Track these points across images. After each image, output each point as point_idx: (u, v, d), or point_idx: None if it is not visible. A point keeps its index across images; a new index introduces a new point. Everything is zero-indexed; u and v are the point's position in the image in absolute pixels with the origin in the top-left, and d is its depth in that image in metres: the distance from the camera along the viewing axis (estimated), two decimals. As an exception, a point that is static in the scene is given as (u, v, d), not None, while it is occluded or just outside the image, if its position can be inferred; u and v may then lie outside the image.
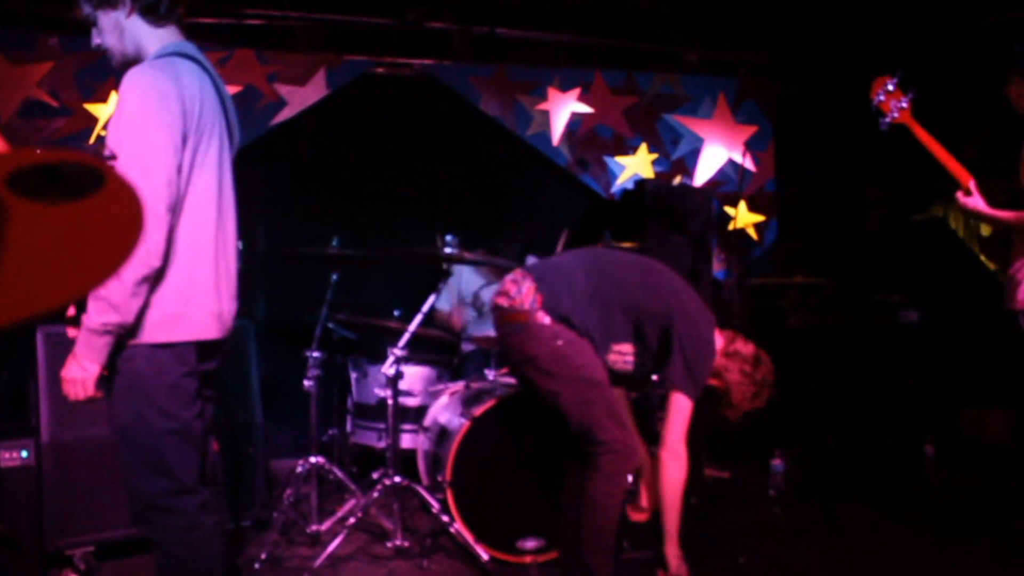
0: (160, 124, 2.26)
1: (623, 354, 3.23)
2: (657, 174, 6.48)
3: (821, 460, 5.27)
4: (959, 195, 3.68)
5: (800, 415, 5.27)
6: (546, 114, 6.29)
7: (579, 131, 6.37)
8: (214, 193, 2.44)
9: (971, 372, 5.82)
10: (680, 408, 3.17)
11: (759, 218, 6.74)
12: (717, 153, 6.66)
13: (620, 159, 6.45)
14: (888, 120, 3.62)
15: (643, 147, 6.48)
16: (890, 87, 3.63)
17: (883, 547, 4.13)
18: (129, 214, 0.92)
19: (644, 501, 3.60)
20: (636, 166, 6.45)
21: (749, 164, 6.66)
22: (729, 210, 6.51)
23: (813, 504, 4.80)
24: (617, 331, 3.17)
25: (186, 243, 2.35)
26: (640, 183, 5.72)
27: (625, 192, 6.06)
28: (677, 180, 6.48)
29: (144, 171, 2.22)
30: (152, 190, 2.22)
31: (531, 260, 4.46)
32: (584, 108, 6.37)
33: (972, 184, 3.63)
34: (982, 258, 6.48)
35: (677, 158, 6.60)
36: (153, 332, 2.29)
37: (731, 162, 6.64)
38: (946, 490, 5.06)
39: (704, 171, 6.64)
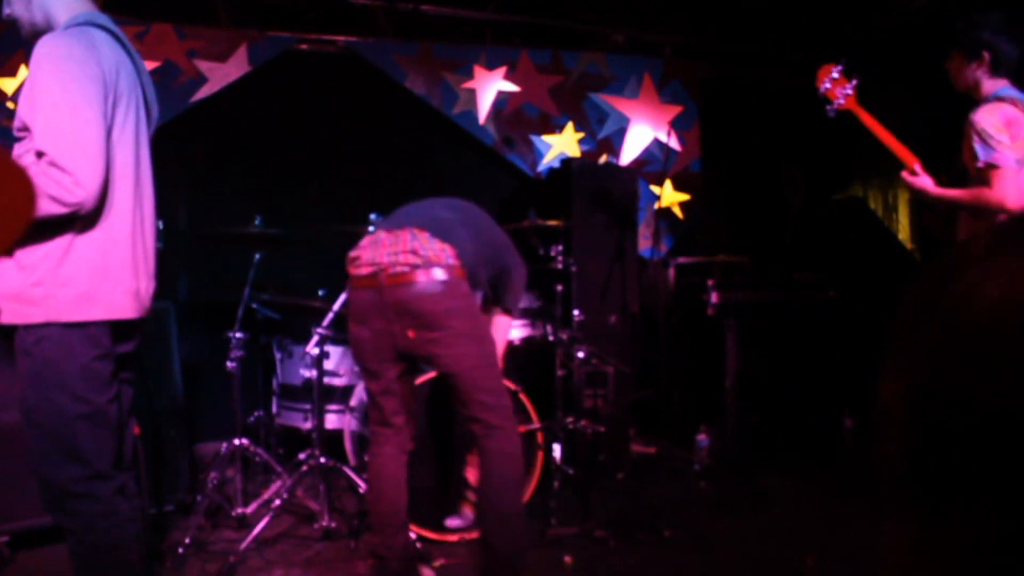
0: (83, 89, 2.19)
1: None
2: (583, 153, 6.50)
3: (745, 435, 5.36)
4: (904, 174, 3.71)
5: (724, 391, 5.35)
6: (472, 92, 6.27)
7: (505, 110, 6.36)
8: (131, 169, 2.38)
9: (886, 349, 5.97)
10: (509, 328, 3.47)
11: (684, 197, 6.82)
12: (643, 132, 6.71)
13: (546, 138, 6.46)
14: (835, 107, 3.77)
15: (569, 126, 6.50)
16: (835, 75, 3.77)
17: (805, 518, 4.22)
18: (19, 197, 0.89)
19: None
20: (562, 145, 6.47)
21: (674, 144, 6.73)
22: (655, 189, 6.56)
23: (737, 478, 4.89)
24: (481, 277, 3.18)
25: (102, 220, 2.28)
26: (566, 162, 5.73)
27: (551, 171, 6.07)
28: (603, 159, 6.51)
29: (75, 137, 2.15)
30: (86, 155, 2.16)
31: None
32: (510, 87, 6.35)
33: (918, 166, 3.68)
34: (900, 236, 6.65)
35: (603, 137, 6.64)
36: (65, 311, 2.22)
37: (656, 142, 6.70)
38: (864, 462, 5.19)
39: (630, 150, 6.68)
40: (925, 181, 3.64)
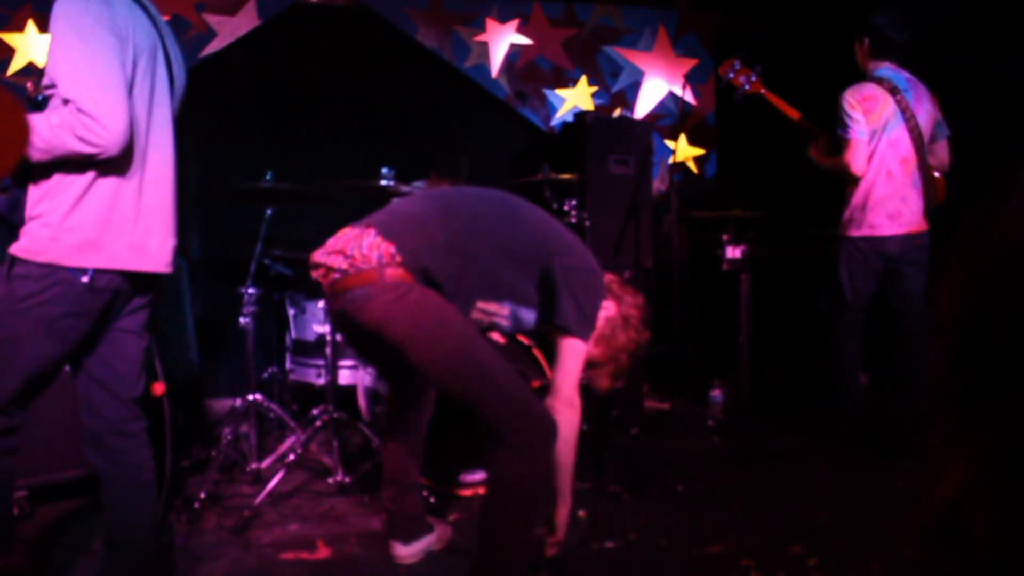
0: (100, 40, 2.22)
1: (490, 313, 2.74)
2: (597, 107, 6.43)
3: (758, 390, 5.35)
4: (812, 147, 4.55)
5: (738, 347, 5.33)
6: (484, 46, 6.19)
7: (518, 63, 6.28)
8: (142, 127, 2.40)
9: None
10: (575, 352, 2.74)
11: (699, 151, 6.75)
12: (657, 86, 6.63)
13: (560, 92, 6.38)
14: (741, 93, 4.61)
15: (583, 80, 6.42)
16: (737, 66, 4.61)
17: (818, 473, 4.22)
18: (9, 126, 0.88)
19: (559, 530, 2.94)
20: (576, 99, 6.39)
21: (689, 97, 6.64)
22: (669, 143, 6.49)
23: (751, 433, 4.89)
24: (481, 285, 2.68)
25: (111, 173, 2.32)
26: (580, 116, 5.67)
27: (565, 125, 6.01)
28: (617, 113, 6.44)
29: (96, 83, 2.19)
30: (108, 100, 2.19)
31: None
32: (523, 40, 6.27)
33: (799, 119, 4.54)
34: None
35: (617, 91, 6.56)
36: (68, 255, 2.25)
37: (671, 95, 6.61)
38: (878, 418, 5.18)
39: (644, 104, 6.60)
40: (818, 151, 4.52)
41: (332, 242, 2.68)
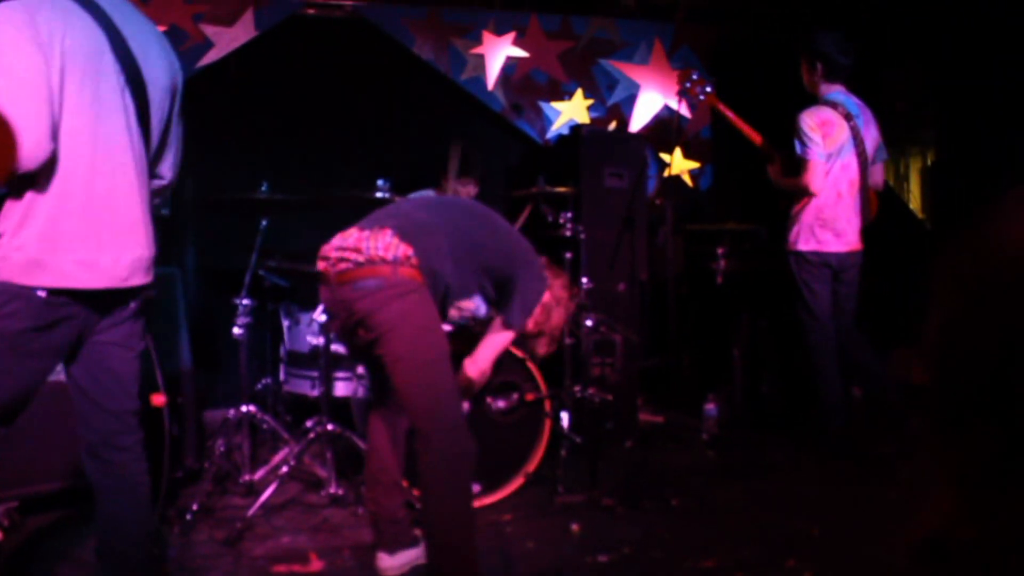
0: (16, 53, 2.16)
1: (461, 309, 3.25)
2: (593, 120, 6.44)
3: (753, 404, 5.34)
4: (769, 166, 4.76)
5: (733, 360, 5.33)
6: (481, 58, 6.20)
7: (514, 76, 6.29)
8: (87, 137, 2.29)
9: (898, 317, 5.94)
10: (505, 336, 3.19)
11: (694, 165, 6.76)
12: (653, 99, 6.64)
13: (555, 104, 6.40)
14: (694, 104, 5.09)
15: (579, 93, 6.43)
16: (695, 76, 4.93)
17: (813, 486, 4.22)
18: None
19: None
20: (571, 112, 6.40)
21: (685, 111, 6.66)
22: (664, 156, 6.50)
23: (745, 447, 4.88)
24: (467, 287, 3.03)
25: (51, 190, 2.25)
26: (575, 128, 5.69)
27: (560, 137, 6.02)
28: (613, 126, 6.45)
29: (7, 100, 2.12)
30: (19, 117, 2.13)
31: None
32: (519, 52, 6.28)
33: (761, 142, 4.79)
34: (911, 206, 6.60)
35: (613, 104, 6.57)
36: (16, 273, 2.21)
37: (667, 108, 6.63)
38: (872, 431, 5.17)
39: (640, 117, 6.62)
40: (776, 171, 4.73)
41: (340, 240, 2.91)
